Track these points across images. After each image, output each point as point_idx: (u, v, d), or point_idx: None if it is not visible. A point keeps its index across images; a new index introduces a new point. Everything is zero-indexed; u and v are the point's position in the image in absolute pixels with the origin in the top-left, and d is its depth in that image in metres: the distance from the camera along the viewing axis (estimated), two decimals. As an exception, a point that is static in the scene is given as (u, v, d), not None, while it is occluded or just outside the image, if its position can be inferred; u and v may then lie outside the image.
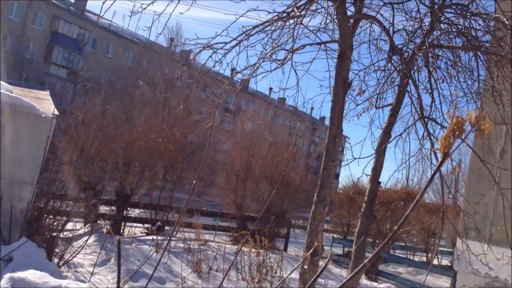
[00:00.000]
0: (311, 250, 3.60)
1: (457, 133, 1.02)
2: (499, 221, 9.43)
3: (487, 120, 0.98)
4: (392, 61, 4.58)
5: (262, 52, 4.31)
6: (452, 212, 15.32)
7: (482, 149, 10.00)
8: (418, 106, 3.98)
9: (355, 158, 4.25)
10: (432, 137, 3.97)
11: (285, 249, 13.35)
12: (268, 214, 12.88)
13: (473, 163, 10.47)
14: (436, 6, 4.22)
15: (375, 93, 5.03)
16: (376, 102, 5.12)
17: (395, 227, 1.14)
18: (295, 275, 8.97)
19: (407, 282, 10.79)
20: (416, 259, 16.02)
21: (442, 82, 4.57)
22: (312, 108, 11.90)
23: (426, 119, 3.99)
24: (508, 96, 4.14)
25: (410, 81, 4.23)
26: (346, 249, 14.48)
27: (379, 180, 4.53)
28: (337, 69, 4.07)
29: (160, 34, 18.63)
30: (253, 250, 7.71)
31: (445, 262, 16.44)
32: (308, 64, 4.88)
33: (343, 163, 4.45)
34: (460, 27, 4.16)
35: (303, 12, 4.23)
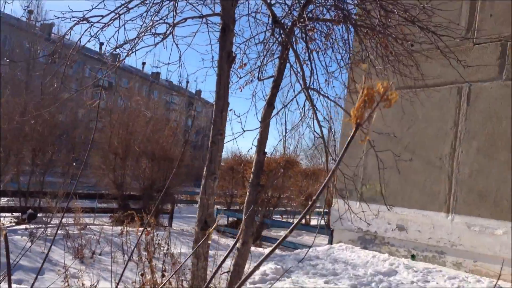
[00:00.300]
0: (213, 225, 3.62)
1: (367, 103, 1.07)
2: (368, 180, 10.30)
3: (393, 90, 1.04)
4: (274, 34, 4.68)
5: (142, 26, 4.13)
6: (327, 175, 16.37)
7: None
8: (300, 77, 4.13)
9: (244, 131, 4.32)
10: (315, 107, 4.16)
11: (170, 225, 13.29)
12: (151, 191, 12.65)
13: (344, 128, 11.27)
14: (311, -20, 4.39)
15: (257, 65, 5.13)
16: (258, 74, 5.22)
17: (314, 198, 1.17)
18: (185, 249, 9.01)
19: (289, 244, 11.41)
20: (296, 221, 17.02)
21: (318, 53, 4.79)
22: (187, 82, 11.82)
23: (308, 90, 4.17)
24: (379, 65, 4.49)
25: (291, 53, 4.37)
26: (230, 219, 14.85)
27: (265, 151, 4.66)
28: (220, 43, 4.05)
29: None
30: (140, 229, 7.54)
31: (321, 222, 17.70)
32: (190, 38, 4.81)
33: (231, 136, 4.50)
34: (333, 0, 4.38)
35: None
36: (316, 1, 4.44)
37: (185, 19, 4.30)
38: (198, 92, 57.34)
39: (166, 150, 13.60)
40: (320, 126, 4.02)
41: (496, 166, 8.24)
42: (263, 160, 4.62)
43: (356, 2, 4.53)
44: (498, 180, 8.17)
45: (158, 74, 52.43)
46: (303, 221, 16.95)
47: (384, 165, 9.85)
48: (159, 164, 13.06)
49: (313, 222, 17.26)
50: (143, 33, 4.26)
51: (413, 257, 8.94)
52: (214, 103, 4.02)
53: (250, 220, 4.46)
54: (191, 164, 15.61)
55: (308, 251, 9.20)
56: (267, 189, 12.53)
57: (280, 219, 15.49)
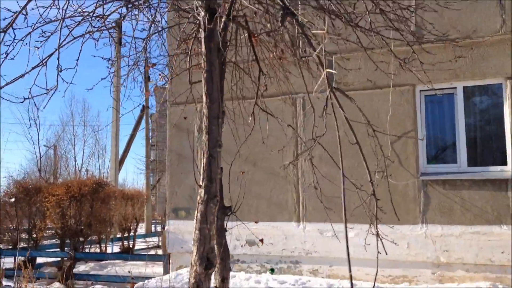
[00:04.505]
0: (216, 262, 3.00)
1: None
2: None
3: None
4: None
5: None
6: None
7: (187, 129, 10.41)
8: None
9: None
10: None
11: None
12: None
13: (172, 143, 10.78)
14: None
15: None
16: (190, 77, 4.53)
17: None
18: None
19: (116, 278, 10.23)
20: (116, 249, 15.55)
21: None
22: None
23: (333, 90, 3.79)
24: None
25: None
26: (18, 259, 12.56)
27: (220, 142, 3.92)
28: (206, 32, 3.33)
29: None
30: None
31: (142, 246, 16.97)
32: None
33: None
34: None
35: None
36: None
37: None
38: None
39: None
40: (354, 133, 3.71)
41: (340, 172, 9.02)
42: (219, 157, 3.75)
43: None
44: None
45: None
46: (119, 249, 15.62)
47: (224, 179, 9.79)
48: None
49: (141, 246, 16.26)
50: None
51: (272, 270, 9.08)
52: (205, 107, 3.30)
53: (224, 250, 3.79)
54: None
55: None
56: (76, 217, 11.02)
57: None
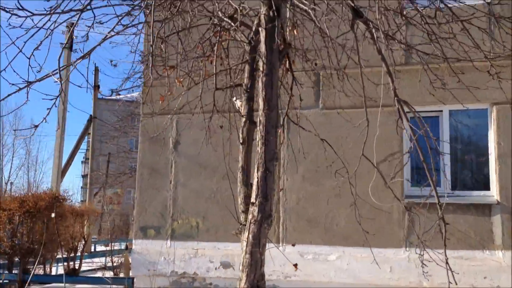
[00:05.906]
0: None
1: None
2: (180, 214, 9.58)
3: None
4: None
5: None
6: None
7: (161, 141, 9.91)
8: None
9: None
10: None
11: None
12: None
13: (143, 156, 10.22)
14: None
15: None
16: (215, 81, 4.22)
17: None
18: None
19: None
20: (60, 270, 14.49)
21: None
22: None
23: (401, 103, 3.56)
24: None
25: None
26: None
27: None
28: (267, 32, 3.05)
29: None
30: None
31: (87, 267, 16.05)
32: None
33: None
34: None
35: None
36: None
37: None
38: None
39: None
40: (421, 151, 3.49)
41: (324, 192, 8.84)
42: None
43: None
44: (326, 206, 8.79)
45: None
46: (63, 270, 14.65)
47: (200, 196, 9.42)
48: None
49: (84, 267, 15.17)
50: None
51: (250, 295, 8.71)
52: (263, 115, 3.01)
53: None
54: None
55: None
56: (30, 234, 10.18)
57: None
